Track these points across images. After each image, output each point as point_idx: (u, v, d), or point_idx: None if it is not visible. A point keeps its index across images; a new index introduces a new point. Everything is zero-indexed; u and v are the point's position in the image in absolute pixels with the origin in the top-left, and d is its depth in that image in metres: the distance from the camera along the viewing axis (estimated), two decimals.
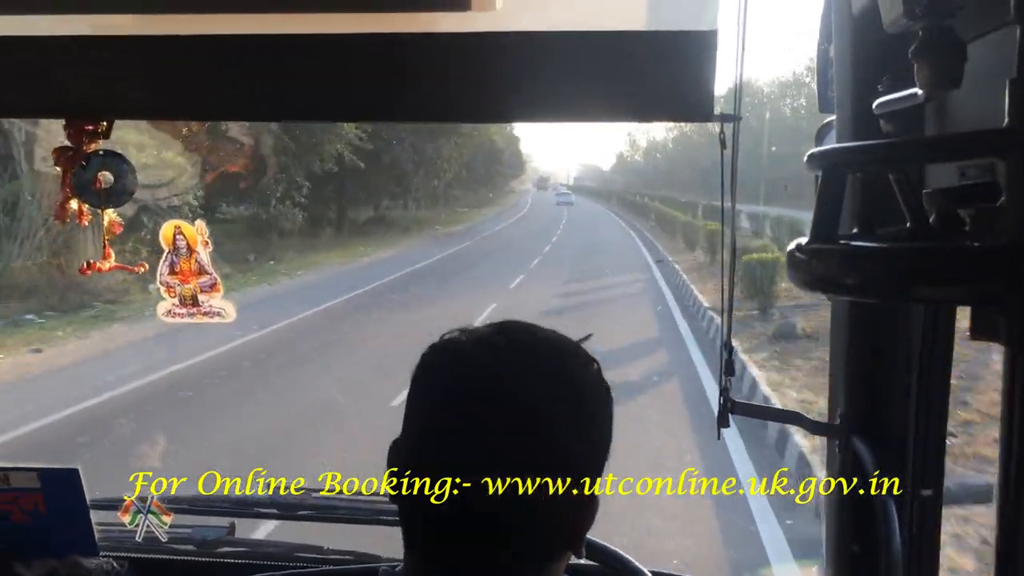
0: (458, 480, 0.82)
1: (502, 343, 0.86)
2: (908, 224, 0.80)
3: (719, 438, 1.70)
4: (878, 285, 0.72)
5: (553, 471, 0.83)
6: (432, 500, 0.82)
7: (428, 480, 0.83)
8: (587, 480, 0.86)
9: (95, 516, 1.76)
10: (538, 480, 0.82)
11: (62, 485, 1.72)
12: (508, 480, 0.81)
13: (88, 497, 1.73)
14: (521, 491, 0.81)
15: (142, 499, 1.86)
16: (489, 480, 0.81)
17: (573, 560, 0.91)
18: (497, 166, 78.86)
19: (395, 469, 0.88)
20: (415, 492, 0.84)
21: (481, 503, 0.81)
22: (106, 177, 1.42)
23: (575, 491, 0.85)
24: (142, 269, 1.71)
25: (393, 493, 0.88)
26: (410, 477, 0.84)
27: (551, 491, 0.83)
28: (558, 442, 0.84)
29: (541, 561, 0.87)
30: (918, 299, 1.02)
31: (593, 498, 0.87)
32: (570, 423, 0.85)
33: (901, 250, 0.72)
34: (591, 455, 0.87)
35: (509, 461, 0.82)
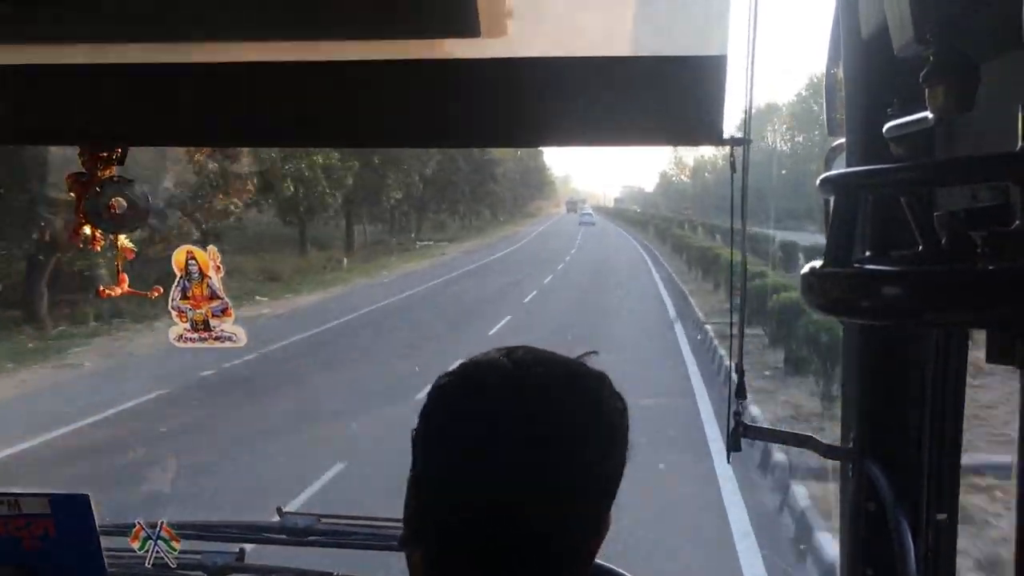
0: (486, 507, 0.82)
1: (513, 370, 0.86)
2: (920, 247, 0.80)
3: (729, 461, 1.69)
4: (894, 308, 0.72)
5: (578, 491, 0.84)
6: (459, 527, 0.83)
7: (455, 509, 0.83)
8: (608, 498, 0.87)
9: (105, 542, 1.76)
10: (565, 502, 0.83)
11: (72, 511, 1.72)
12: (537, 504, 0.82)
13: (98, 522, 1.73)
14: (550, 514, 0.82)
15: (151, 525, 1.86)
16: (518, 505, 0.81)
17: None
18: (519, 187, 78.52)
19: (417, 501, 0.87)
20: (443, 522, 0.84)
21: (510, 529, 0.82)
22: (120, 203, 1.43)
23: (598, 509, 0.86)
24: (156, 294, 1.72)
25: (415, 524, 0.88)
26: (436, 508, 0.85)
27: (577, 511, 0.84)
28: (582, 462, 0.84)
29: None
30: (934, 322, 1.01)
31: (608, 515, 0.88)
32: (592, 440, 0.85)
33: (917, 273, 0.72)
34: (612, 471, 0.87)
35: (537, 486, 0.82)
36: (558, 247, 44.71)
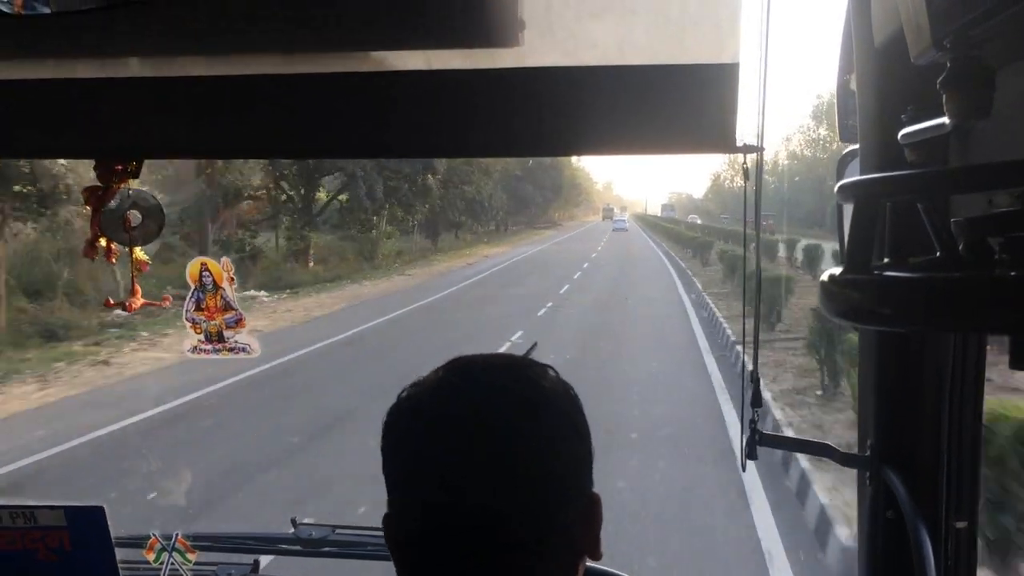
0: (469, 527, 0.82)
1: (458, 382, 0.87)
2: (938, 253, 0.80)
3: (744, 471, 1.68)
4: (914, 315, 0.72)
5: (551, 482, 0.83)
6: (447, 552, 0.82)
7: (439, 536, 0.83)
8: (584, 482, 0.87)
9: (120, 554, 1.76)
10: (541, 497, 0.82)
11: (87, 522, 1.73)
12: (515, 510, 0.81)
13: (113, 534, 1.73)
14: (529, 515, 0.82)
15: (166, 537, 1.86)
16: (497, 516, 0.81)
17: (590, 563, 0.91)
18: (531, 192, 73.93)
19: (399, 537, 0.87)
20: (431, 550, 0.84)
21: (493, 542, 0.82)
22: (135, 215, 1.44)
23: (576, 495, 0.86)
24: (167, 303, 1.72)
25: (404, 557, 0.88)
26: (419, 539, 0.85)
27: (556, 503, 0.83)
28: (546, 453, 0.84)
29: (573, 573, 0.87)
30: (955, 329, 1.01)
31: (594, 497, 0.88)
32: (550, 432, 0.85)
33: (938, 280, 0.72)
34: (580, 455, 0.87)
35: (510, 490, 0.82)
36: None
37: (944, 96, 0.77)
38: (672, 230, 68.40)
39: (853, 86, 1.31)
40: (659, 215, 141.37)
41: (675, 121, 1.18)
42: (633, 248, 54.59)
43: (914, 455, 1.28)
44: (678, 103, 1.17)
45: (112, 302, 1.61)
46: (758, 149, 1.21)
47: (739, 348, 12.12)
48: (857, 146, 1.33)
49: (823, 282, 0.77)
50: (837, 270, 0.76)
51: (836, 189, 0.80)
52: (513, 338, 14.45)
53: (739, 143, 1.19)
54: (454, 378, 0.87)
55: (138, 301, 1.50)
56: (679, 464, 7.57)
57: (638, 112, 1.18)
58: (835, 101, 1.51)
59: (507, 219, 71.53)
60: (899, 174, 0.77)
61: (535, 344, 0.94)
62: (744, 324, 1.49)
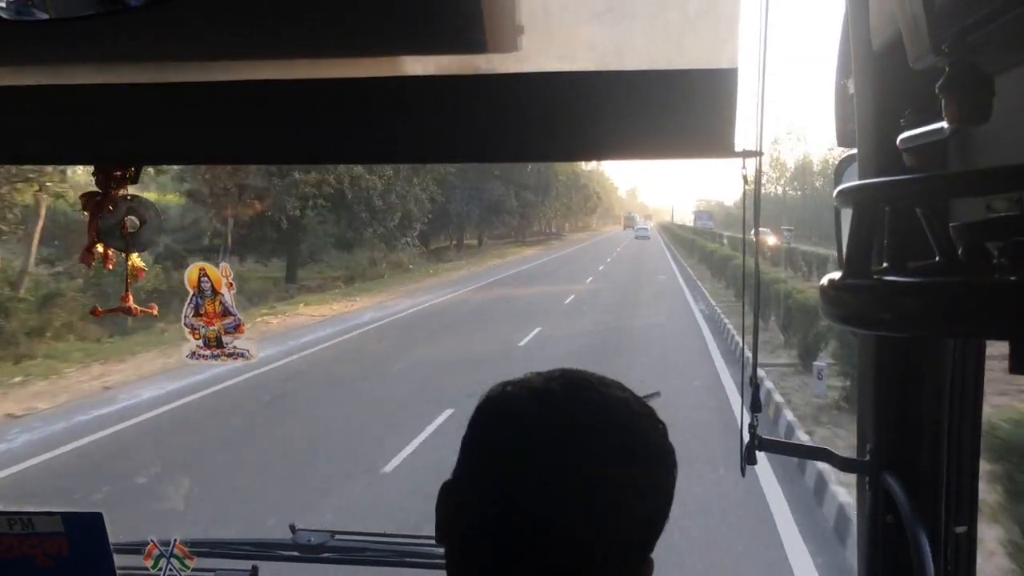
0: (528, 535, 0.81)
1: (565, 395, 0.85)
2: (937, 258, 0.80)
3: (744, 476, 1.68)
4: (915, 320, 0.71)
5: (625, 531, 0.83)
6: (502, 554, 0.82)
7: (496, 537, 0.82)
8: (648, 543, 0.86)
9: (118, 560, 1.76)
10: (611, 539, 0.82)
11: (86, 529, 1.72)
12: (580, 540, 0.81)
13: (111, 541, 1.73)
14: (590, 553, 0.81)
15: (164, 543, 1.86)
16: (560, 539, 0.80)
17: None
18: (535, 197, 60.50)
19: (461, 522, 0.86)
20: (488, 548, 0.83)
21: (545, 562, 0.81)
22: (132, 221, 1.44)
23: (638, 553, 0.85)
24: (154, 311, 1.71)
25: (446, 527, 0.88)
26: (492, 524, 0.83)
27: (619, 554, 0.83)
28: (631, 501, 0.83)
29: None
30: (956, 334, 1.01)
31: (650, 561, 0.87)
32: (642, 482, 0.84)
33: (938, 285, 0.72)
34: (654, 518, 0.86)
35: (582, 520, 0.81)
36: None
37: (943, 100, 0.77)
38: (710, 253, 37.16)
39: (851, 90, 1.31)
40: (690, 225, 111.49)
41: (674, 126, 1.18)
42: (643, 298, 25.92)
43: (914, 460, 1.28)
44: (677, 108, 1.17)
45: (101, 311, 1.61)
46: (757, 154, 1.21)
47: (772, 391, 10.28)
48: (855, 151, 1.33)
49: (823, 287, 0.77)
50: (836, 275, 0.76)
51: (835, 194, 0.80)
52: None
53: (738, 148, 1.19)
54: (568, 392, 0.85)
55: (131, 307, 1.50)
56: None
57: (637, 117, 1.18)
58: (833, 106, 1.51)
59: (470, 230, 55.73)
60: (899, 178, 0.77)
61: (657, 393, 0.93)
62: (744, 327, 1.49)
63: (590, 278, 32.54)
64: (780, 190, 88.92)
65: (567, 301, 23.23)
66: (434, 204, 38.95)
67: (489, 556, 0.83)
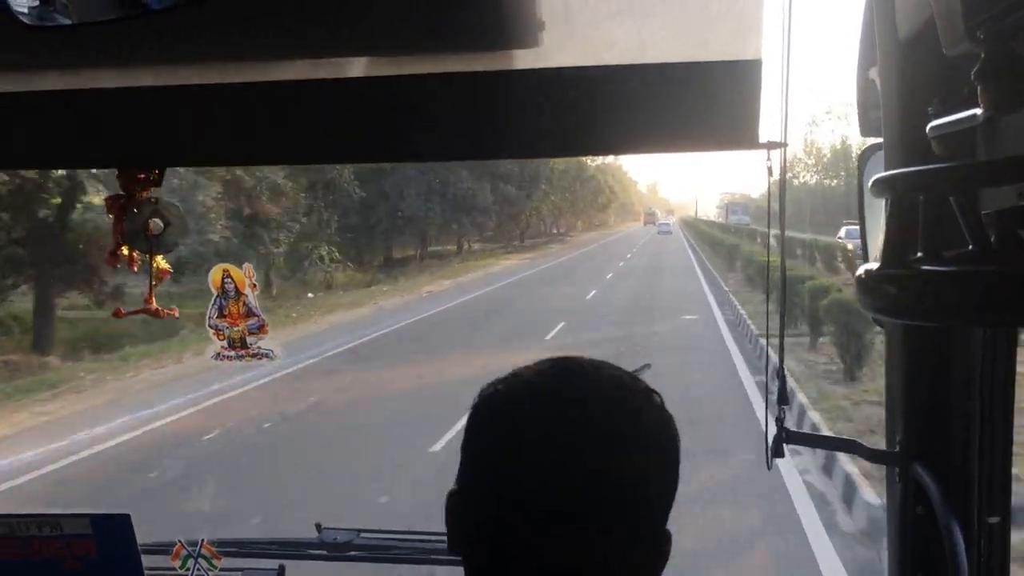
0: (538, 532, 0.81)
1: (560, 387, 0.85)
2: (971, 247, 0.79)
3: (770, 469, 1.68)
4: (953, 310, 0.71)
5: (633, 509, 0.82)
6: (512, 552, 0.82)
7: (505, 536, 0.82)
8: (660, 515, 0.85)
9: (146, 561, 1.77)
10: (620, 522, 0.81)
11: (113, 530, 1.73)
12: (591, 528, 0.80)
13: (139, 541, 1.74)
14: (603, 536, 0.81)
15: (192, 543, 1.87)
16: (571, 530, 0.80)
17: None
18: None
19: (469, 524, 0.86)
20: (486, 531, 0.83)
21: (560, 554, 0.81)
22: (156, 224, 1.44)
23: (652, 527, 0.84)
24: (175, 314, 1.72)
25: (460, 532, 0.87)
26: (491, 527, 0.84)
27: (632, 532, 0.82)
28: (636, 479, 0.83)
29: None
30: (999, 323, 1.00)
31: (666, 534, 0.86)
32: (644, 459, 0.84)
33: (975, 274, 0.71)
34: (666, 488, 0.85)
35: (591, 507, 0.81)
36: None
37: (979, 88, 0.76)
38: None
39: (875, 79, 1.30)
40: (716, 219, 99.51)
41: (697, 119, 1.18)
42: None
43: (944, 451, 1.27)
44: (700, 101, 1.16)
45: (123, 312, 1.62)
46: (782, 145, 1.21)
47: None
48: (880, 139, 1.32)
49: (859, 277, 0.76)
50: (874, 265, 0.75)
51: (871, 184, 0.80)
52: None
53: (762, 140, 1.18)
54: (556, 381, 0.85)
55: (153, 308, 1.51)
56: None
57: (660, 110, 1.18)
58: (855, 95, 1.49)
59: (448, 235, 47.03)
60: (936, 167, 0.76)
61: (647, 365, 0.92)
62: (768, 321, 1.48)
63: (557, 327, 18.00)
64: (814, 178, 76.96)
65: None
66: (364, 207, 34.01)
67: (490, 558, 0.84)
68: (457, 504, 0.87)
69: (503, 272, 36.12)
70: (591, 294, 25.36)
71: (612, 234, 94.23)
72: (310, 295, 26.03)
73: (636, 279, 31.89)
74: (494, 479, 0.84)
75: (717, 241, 46.45)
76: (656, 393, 0.88)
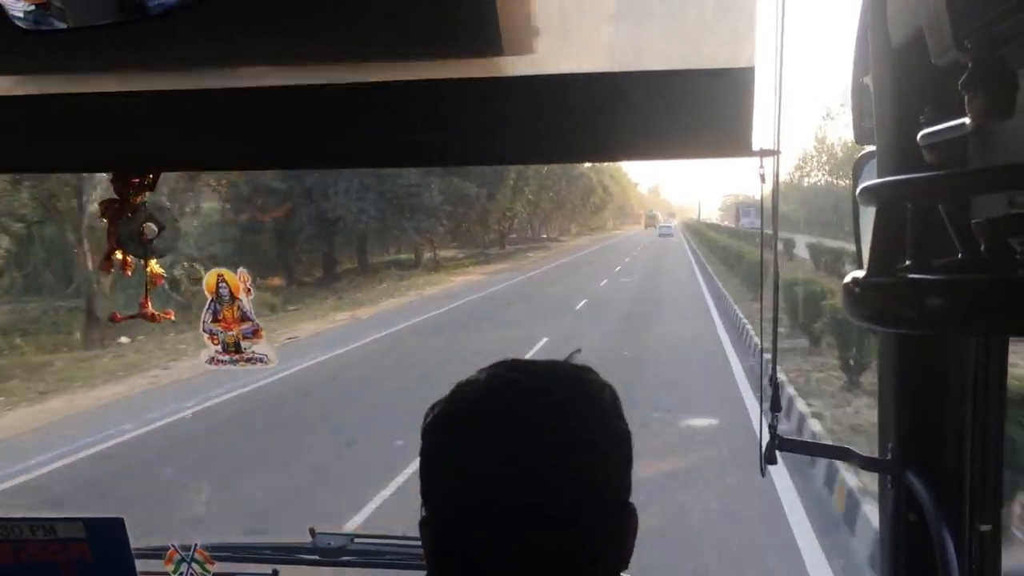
0: (506, 528, 0.81)
1: (499, 385, 0.86)
2: (960, 255, 0.79)
3: (763, 476, 1.68)
4: (941, 318, 0.71)
5: (588, 486, 0.83)
6: (484, 555, 0.82)
7: (476, 537, 0.83)
8: (620, 488, 0.86)
9: (139, 565, 1.77)
10: (578, 501, 0.82)
11: (107, 534, 1.73)
12: (552, 513, 0.81)
13: (132, 545, 1.74)
14: (565, 519, 0.81)
15: (185, 547, 1.87)
16: (534, 519, 0.81)
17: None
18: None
19: (437, 540, 0.87)
20: (468, 552, 0.83)
21: (528, 545, 0.81)
22: (150, 228, 1.44)
23: (612, 501, 0.85)
24: (170, 316, 1.72)
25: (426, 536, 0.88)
26: (456, 541, 0.84)
27: (592, 508, 0.83)
28: (583, 457, 0.83)
29: None
30: (984, 331, 1.00)
31: (630, 507, 0.87)
32: (589, 435, 0.84)
33: (963, 282, 0.71)
34: (618, 460, 0.86)
35: (548, 493, 0.81)
36: None
37: (966, 96, 0.76)
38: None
39: (870, 87, 1.30)
40: (720, 223, 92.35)
41: (691, 126, 1.18)
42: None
43: (936, 458, 1.27)
44: (694, 108, 1.16)
45: (120, 316, 1.62)
46: (775, 153, 1.21)
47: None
48: (873, 148, 1.33)
49: (846, 284, 0.76)
50: (860, 273, 0.75)
51: (858, 192, 0.80)
52: None
53: (755, 147, 1.18)
54: (495, 381, 0.87)
55: (159, 315, 1.51)
56: None
57: (653, 117, 1.18)
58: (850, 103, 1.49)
59: (390, 241, 38.69)
60: (923, 175, 0.77)
61: (578, 350, 0.94)
62: (761, 329, 1.48)
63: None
64: (824, 180, 69.62)
65: None
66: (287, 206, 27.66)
67: (470, 556, 0.84)
68: (425, 531, 0.88)
69: (452, 293, 27.97)
70: (541, 343, 15.29)
71: (607, 238, 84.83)
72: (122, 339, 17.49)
73: (620, 308, 22.73)
74: (450, 488, 0.85)
75: (731, 252, 32.99)
76: (592, 369, 0.90)
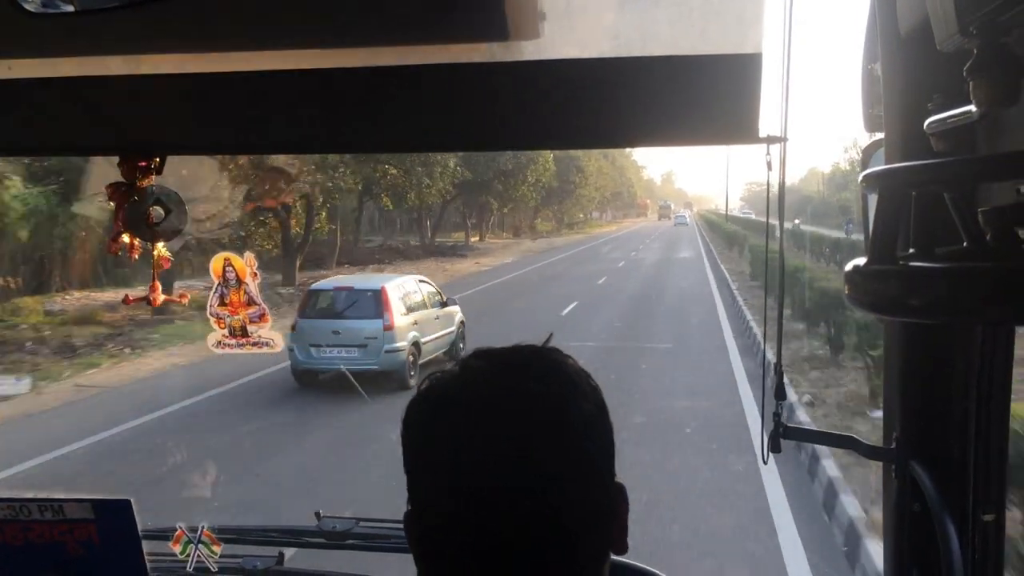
0: (490, 516, 0.81)
1: (477, 372, 0.86)
2: (965, 243, 0.79)
3: (766, 463, 1.68)
4: (942, 306, 0.71)
5: (570, 471, 0.83)
6: (468, 543, 0.82)
7: (461, 526, 0.82)
8: (604, 471, 0.86)
9: (147, 546, 1.78)
10: (560, 486, 0.82)
11: (115, 515, 1.74)
12: (536, 499, 0.81)
13: (140, 527, 1.75)
14: (549, 505, 0.81)
15: (192, 529, 1.88)
16: (517, 505, 0.81)
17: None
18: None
19: (420, 529, 0.87)
20: (452, 541, 0.83)
21: (513, 532, 0.81)
22: (157, 212, 1.45)
23: (597, 484, 0.85)
24: (185, 300, 1.73)
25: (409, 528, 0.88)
26: (440, 530, 0.84)
27: (576, 492, 0.83)
28: (565, 441, 0.83)
29: (598, 566, 0.86)
30: (985, 320, 0.99)
31: (618, 486, 0.87)
32: (569, 419, 0.84)
33: (967, 270, 0.71)
34: (599, 443, 0.86)
35: (530, 480, 0.81)
36: None
37: (971, 83, 0.76)
38: None
39: (878, 75, 1.29)
40: (739, 214, 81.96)
41: (697, 112, 1.17)
42: None
43: (941, 448, 1.27)
44: (700, 94, 1.16)
45: (132, 298, 1.62)
46: (782, 140, 1.20)
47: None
48: (882, 135, 1.32)
49: (848, 272, 0.76)
50: (862, 261, 0.75)
51: (860, 179, 0.80)
52: None
53: (762, 134, 1.18)
54: (473, 369, 0.87)
55: (159, 296, 1.51)
56: None
57: (660, 103, 1.18)
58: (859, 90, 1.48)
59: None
60: (926, 163, 0.76)
61: (551, 335, 0.93)
62: (766, 316, 1.48)
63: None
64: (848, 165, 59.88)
65: None
66: None
67: (455, 545, 0.83)
68: (409, 522, 0.88)
69: None
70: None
71: (595, 239, 59.38)
72: None
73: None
74: (436, 475, 0.84)
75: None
76: (570, 356, 0.89)
